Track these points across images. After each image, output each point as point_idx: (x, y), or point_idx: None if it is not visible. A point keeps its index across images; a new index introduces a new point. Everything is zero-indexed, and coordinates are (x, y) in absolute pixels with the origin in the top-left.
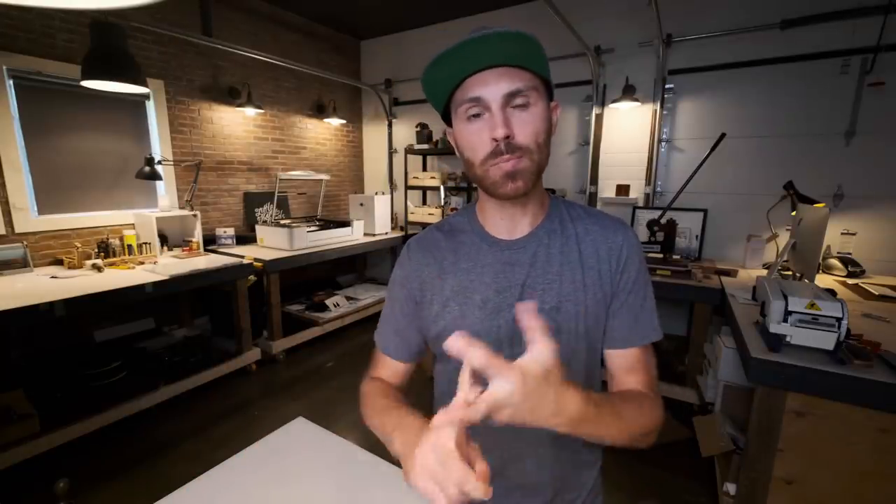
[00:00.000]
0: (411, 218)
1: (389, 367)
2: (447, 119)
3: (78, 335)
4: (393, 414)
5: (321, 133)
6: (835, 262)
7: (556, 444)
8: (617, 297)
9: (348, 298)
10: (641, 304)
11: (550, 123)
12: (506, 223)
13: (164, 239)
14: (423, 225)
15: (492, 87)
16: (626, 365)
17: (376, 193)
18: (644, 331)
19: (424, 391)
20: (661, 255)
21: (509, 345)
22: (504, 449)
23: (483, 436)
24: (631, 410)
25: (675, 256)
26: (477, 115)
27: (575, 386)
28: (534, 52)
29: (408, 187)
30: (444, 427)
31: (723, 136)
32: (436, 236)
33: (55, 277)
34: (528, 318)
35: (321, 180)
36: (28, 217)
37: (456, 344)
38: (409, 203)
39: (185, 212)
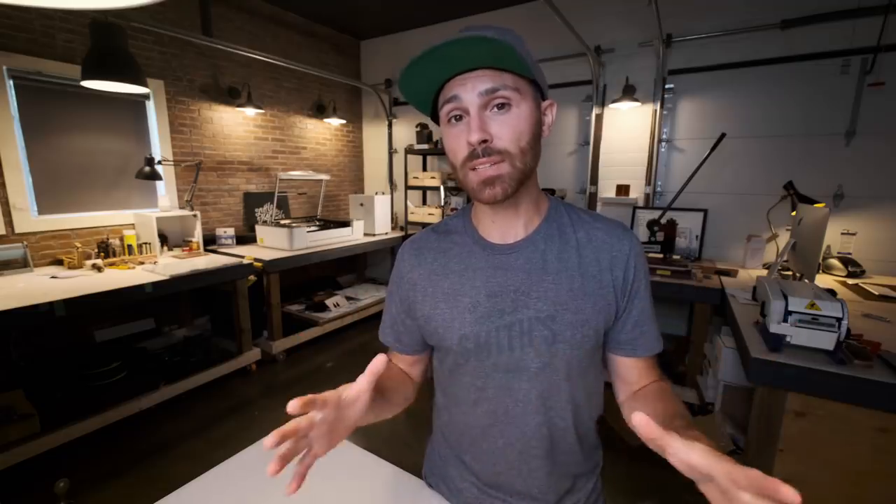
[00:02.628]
0: (411, 218)
1: (398, 358)
2: (437, 120)
3: (78, 335)
4: None
5: (321, 133)
6: (835, 262)
7: (551, 455)
8: (633, 307)
9: (348, 298)
10: (652, 311)
11: (538, 124)
12: (498, 226)
13: (164, 239)
14: (423, 225)
15: (469, 86)
16: (646, 368)
17: (376, 193)
18: (659, 336)
19: (425, 391)
20: (661, 256)
21: (498, 351)
22: (496, 459)
23: (475, 447)
24: (681, 405)
25: (675, 256)
26: (458, 118)
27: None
28: (510, 54)
29: (408, 187)
30: None
31: (723, 136)
32: (430, 237)
33: (55, 277)
34: (649, 429)
35: (321, 180)
36: (28, 217)
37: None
38: (409, 203)
39: (185, 212)
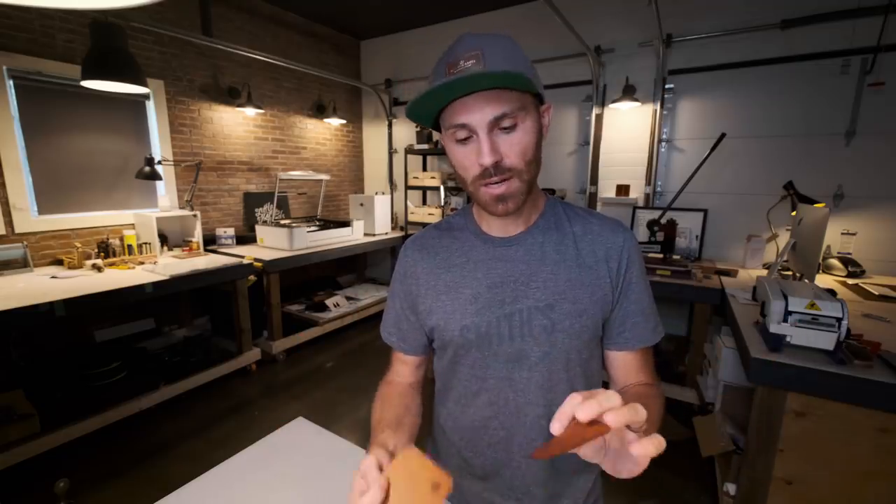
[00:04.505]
0: (411, 218)
1: (401, 361)
2: (437, 129)
3: (78, 335)
4: (376, 428)
5: (321, 133)
6: (835, 262)
7: None
8: (626, 299)
9: (348, 298)
10: (649, 303)
11: (540, 132)
12: (499, 222)
13: (164, 239)
14: (423, 225)
15: (477, 113)
16: (637, 363)
17: (376, 193)
18: (655, 329)
19: (426, 390)
20: (661, 256)
21: (498, 341)
22: (496, 452)
23: (476, 440)
24: (655, 405)
25: (675, 256)
26: (466, 139)
27: None
28: (519, 77)
29: (408, 187)
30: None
31: (723, 136)
32: (432, 233)
33: (55, 277)
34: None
35: (321, 180)
36: (28, 217)
37: None
38: (409, 203)
39: (185, 212)
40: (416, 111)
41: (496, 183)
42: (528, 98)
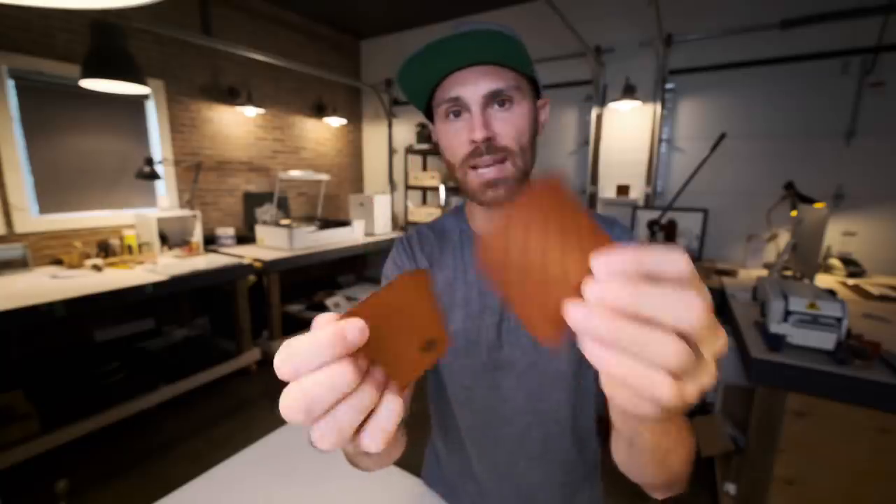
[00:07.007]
0: (411, 218)
1: None
2: (430, 117)
3: (78, 335)
4: None
5: (321, 133)
6: (835, 262)
7: (545, 456)
8: None
9: (348, 298)
10: None
11: (536, 123)
12: (493, 224)
13: (164, 239)
14: None
15: (471, 86)
16: None
17: (376, 193)
18: None
19: (424, 390)
20: None
21: (488, 349)
22: (494, 460)
23: (474, 445)
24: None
25: None
26: (457, 114)
27: None
28: (516, 50)
29: (408, 187)
30: None
31: (723, 136)
32: (424, 232)
33: (55, 277)
34: None
35: (321, 180)
36: (28, 217)
37: None
38: (409, 203)
39: (185, 212)
40: (410, 77)
41: (487, 166)
42: (525, 82)
